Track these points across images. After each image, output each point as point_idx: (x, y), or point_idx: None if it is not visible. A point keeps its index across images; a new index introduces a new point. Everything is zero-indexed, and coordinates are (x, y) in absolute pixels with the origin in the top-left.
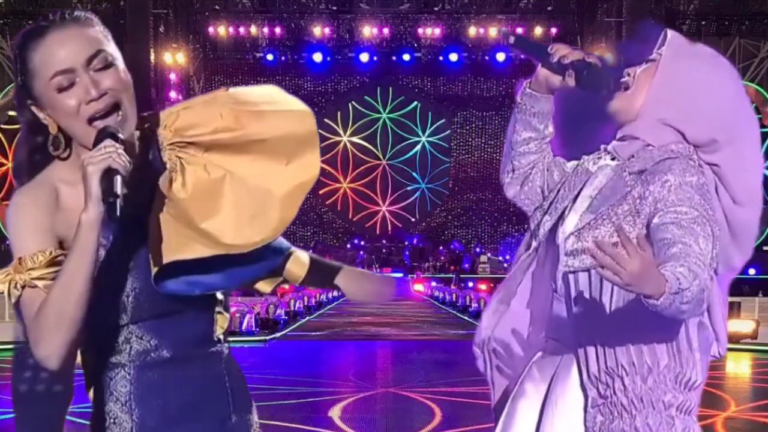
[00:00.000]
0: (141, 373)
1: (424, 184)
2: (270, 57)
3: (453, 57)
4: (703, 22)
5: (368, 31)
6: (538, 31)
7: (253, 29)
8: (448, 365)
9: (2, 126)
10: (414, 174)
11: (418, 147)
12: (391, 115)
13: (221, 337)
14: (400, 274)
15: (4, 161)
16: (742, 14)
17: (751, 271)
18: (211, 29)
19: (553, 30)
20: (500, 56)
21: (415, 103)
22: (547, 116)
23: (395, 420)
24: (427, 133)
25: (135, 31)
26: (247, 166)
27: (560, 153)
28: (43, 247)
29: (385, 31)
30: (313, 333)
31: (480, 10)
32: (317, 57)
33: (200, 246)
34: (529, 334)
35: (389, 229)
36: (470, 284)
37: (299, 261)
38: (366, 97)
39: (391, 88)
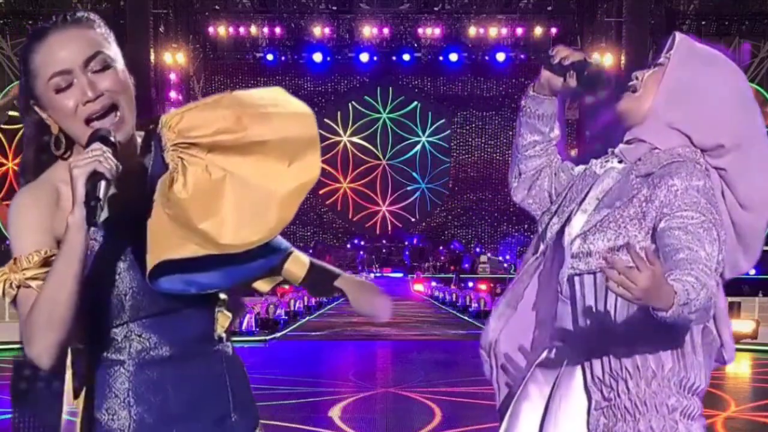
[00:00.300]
0: (140, 370)
1: (424, 184)
2: (270, 57)
3: (453, 57)
4: (703, 22)
5: (368, 31)
6: (538, 31)
7: (253, 29)
8: (448, 365)
9: (2, 126)
10: (414, 174)
11: (418, 147)
12: (391, 115)
13: (222, 336)
14: (400, 274)
15: (4, 161)
16: (742, 14)
17: (751, 271)
18: (211, 29)
19: (553, 30)
20: (500, 56)
21: (415, 103)
22: (551, 119)
23: (395, 420)
24: (427, 133)
25: (135, 31)
26: (248, 167)
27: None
28: (39, 247)
29: (385, 31)
30: (313, 333)
31: (480, 10)
32: (317, 57)
33: (194, 246)
34: (534, 337)
35: (389, 229)
36: (470, 284)
37: (299, 261)
38: (366, 97)
39: (391, 88)
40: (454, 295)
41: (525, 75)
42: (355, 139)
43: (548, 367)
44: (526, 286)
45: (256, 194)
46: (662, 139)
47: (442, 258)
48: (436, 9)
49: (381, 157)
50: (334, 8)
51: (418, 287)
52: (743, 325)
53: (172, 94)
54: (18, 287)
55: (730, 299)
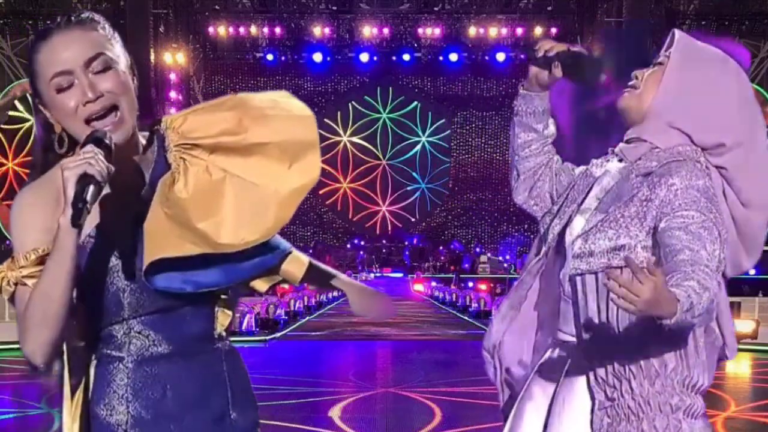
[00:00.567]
0: (139, 367)
1: (424, 184)
2: (270, 57)
3: (453, 57)
4: (703, 22)
5: (368, 31)
6: (538, 31)
7: (253, 29)
8: (448, 365)
9: (2, 126)
10: (414, 174)
11: (418, 147)
12: (391, 115)
13: (222, 334)
14: (400, 274)
15: (4, 161)
16: (742, 14)
17: (751, 271)
18: (211, 29)
19: (553, 30)
20: (500, 56)
21: (415, 103)
22: (544, 115)
23: (395, 420)
24: (427, 133)
25: (135, 31)
26: (249, 168)
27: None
28: (38, 246)
29: (385, 31)
30: (313, 333)
31: (480, 10)
32: (317, 57)
33: (191, 245)
34: (537, 338)
35: (389, 229)
36: (470, 284)
37: (298, 261)
38: (366, 97)
39: (391, 88)
40: (454, 295)
41: (525, 75)
42: (355, 139)
43: (551, 368)
44: (529, 288)
45: (255, 195)
46: (662, 139)
47: (442, 258)
48: (436, 9)
49: (381, 157)
50: (334, 8)
51: (418, 287)
52: (743, 325)
53: (172, 94)
54: (15, 285)
55: (730, 299)
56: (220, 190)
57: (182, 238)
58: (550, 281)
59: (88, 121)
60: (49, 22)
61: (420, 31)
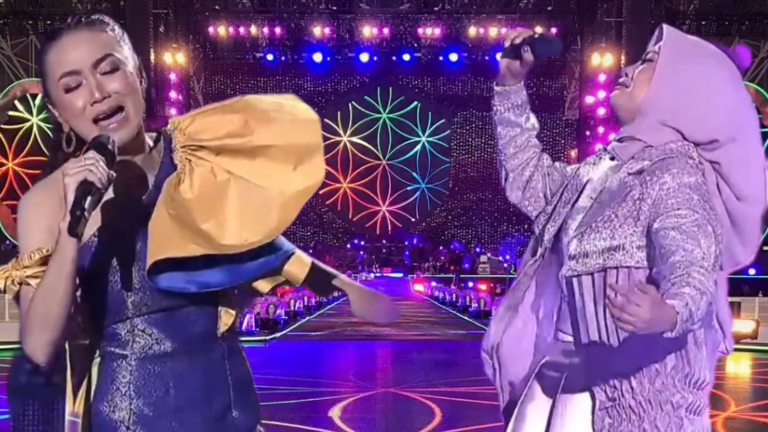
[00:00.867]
0: (142, 364)
1: (424, 184)
2: (270, 57)
3: (453, 57)
4: (703, 22)
5: (368, 31)
6: (538, 31)
7: (253, 29)
8: (448, 365)
9: (2, 126)
10: (414, 174)
11: (418, 147)
12: (391, 115)
13: (225, 333)
14: (400, 274)
15: (4, 161)
16: (742, 14)
17: (751, 271)
18: (211, 29)
19: (553, 30)
20: (500, 56)
21: (415, 103)
22: (523, 107)
23: (395, 420)
24: (427, 133)
25: (135, 31)
26: (253, 169)
27: None
28: (42, 246)
29: (385, 31)
30: (313, 333)
31: (480, 10)
32: (317, 57)
33: (194, 245)
34: (536, 338)
35: (389, 229)
36: (470, 284)
37: (301, 262)
38: (366, 97)
39: (391, 88)
40: (454, 295)
41: (525, 75)
42: (355, 139)
43: (552, 368)
44: (526, 289)
45: (259, 196)
46: (655, 136)
47: (442, 258)
48: (436, 9)
49: (381, 157)
50: (334, 8)
51: (418, 287)
52: (743, 325)
53: (172, 94)
54: (20, 284)
55: (730, 299)
56: (225, 191)
57: (186, 238)
58: (548, 282)
59: (95, 121)
60: (49, 22)
61: (420, 31)
